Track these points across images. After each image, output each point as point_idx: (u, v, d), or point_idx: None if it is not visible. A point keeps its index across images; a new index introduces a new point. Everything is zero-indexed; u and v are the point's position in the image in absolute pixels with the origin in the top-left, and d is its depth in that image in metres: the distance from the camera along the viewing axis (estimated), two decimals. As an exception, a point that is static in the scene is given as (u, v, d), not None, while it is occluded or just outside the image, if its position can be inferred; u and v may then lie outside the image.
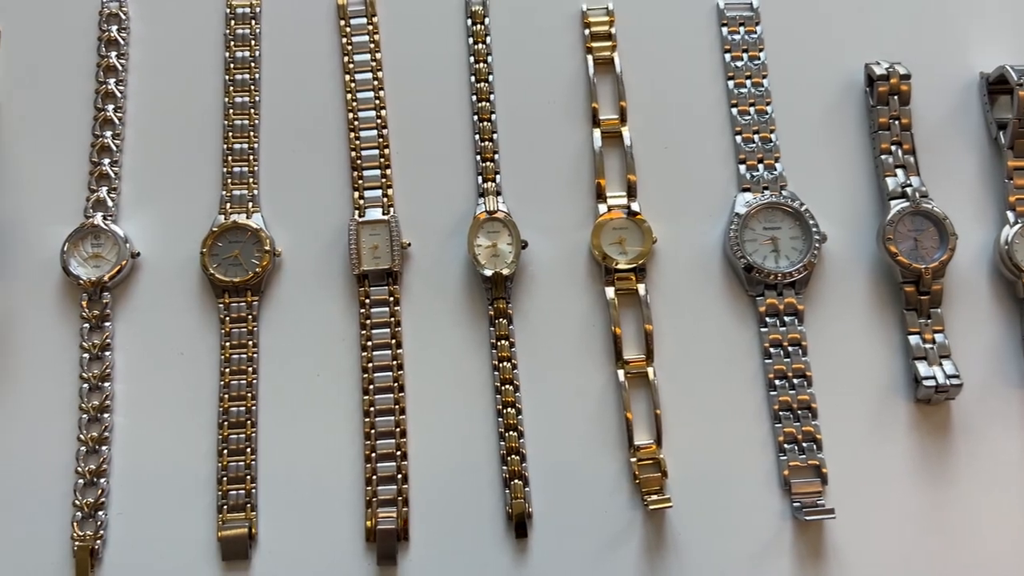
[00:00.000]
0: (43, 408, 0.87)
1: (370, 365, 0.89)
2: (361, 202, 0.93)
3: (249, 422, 0.87)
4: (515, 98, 0.97)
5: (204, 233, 0.91)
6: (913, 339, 0.88)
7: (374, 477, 0.86)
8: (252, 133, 0.95)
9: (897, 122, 0.93)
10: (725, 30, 0.99)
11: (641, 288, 0.91)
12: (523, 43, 0.99)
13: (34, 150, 0.94)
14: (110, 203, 0.92)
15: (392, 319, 0.90)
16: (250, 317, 0.89)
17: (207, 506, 0.85)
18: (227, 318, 0.89)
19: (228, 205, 0.92)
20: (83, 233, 0.90)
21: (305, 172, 0.95)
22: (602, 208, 0.93)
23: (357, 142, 0.95)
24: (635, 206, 0.93)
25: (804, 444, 0.87)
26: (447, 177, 0.95)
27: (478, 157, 0.95)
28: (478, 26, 0.98)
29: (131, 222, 0.92)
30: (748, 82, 0.97)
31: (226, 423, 0.87)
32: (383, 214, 0.92)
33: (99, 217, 0.91)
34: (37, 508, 0.85)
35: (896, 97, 0.93)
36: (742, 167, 0.94)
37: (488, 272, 0.89)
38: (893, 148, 0.93)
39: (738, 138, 0.96)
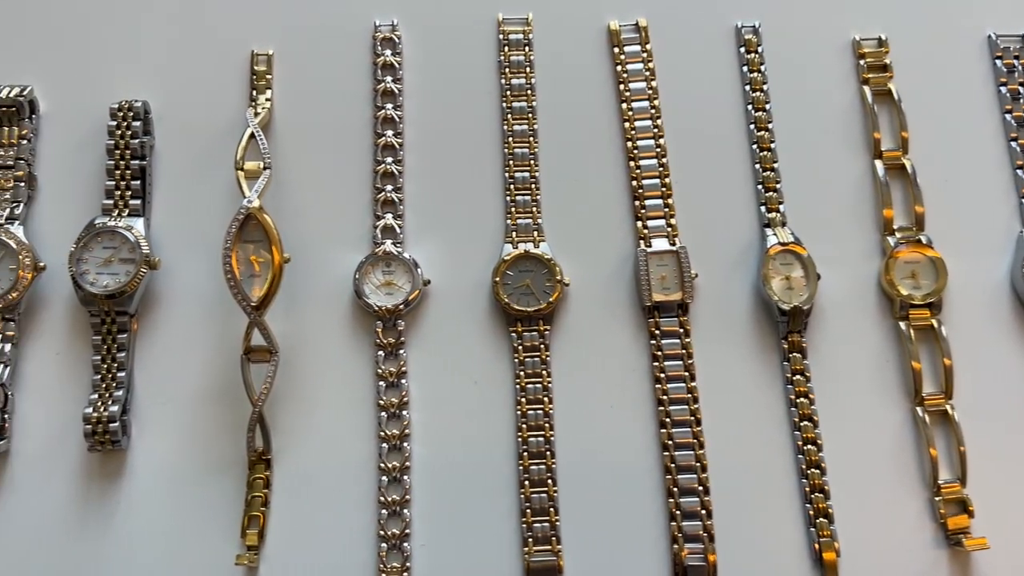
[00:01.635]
0: (340, 435, 0.87)
1: (665, 398, 0.88)
2: (645, 231, 0.92)
3: (549, 453, 0.86)
4: (790, 127, 0.96)
5: (489, 262, 0.91)
6: None
7: (678, 512, 0.85)
8: (533, 161, 0.94)
9: None
10: (999, 62, 0.98)
11: (935, 323, 0.89)
12: (796, 71, 0.98)
13: (316, 175, 0.94)
14: (397, 230, 0.91)
15: (684, 351, 0.89)
16: (543, 347, 0.89)
17: (510, 537, 0.85)
18: (520, 347, 0.89)
19: (514, 234, 0.92)
20: (375, 260, 0.90)
21: (584, 200, 0.94)
22: (890, 241, 0.92)
23: (637, 171, 0.94)
24: (923, 238, 0.91)
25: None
26: (726, 206, 0.94)
27: (760, 187, 0.94)
28: (752, 55, 0.97)
29: (417, 249, 0.91)
30: (1027, 114, 0.96)
31: (526, 453, 0.86)
32: (669, 244, 0.91)
33: (389, 244, 0.90)
34: (341, 536, 0.84)
35: None
36: (1026, 201, 0.93)
37: (786, 306, 0.88)
38: None
39: (1020, 172, 0.95)
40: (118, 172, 0.90)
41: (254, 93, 0.95)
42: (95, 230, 0.87)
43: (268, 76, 0.96)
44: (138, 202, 0.90)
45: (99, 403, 0.84)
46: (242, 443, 0.86)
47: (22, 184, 0.90)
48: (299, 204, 0.93)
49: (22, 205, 0.90)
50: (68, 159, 0.93)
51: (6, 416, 0.84)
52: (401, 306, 0.88)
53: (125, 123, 0.91)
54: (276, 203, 0.91)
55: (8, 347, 0.86)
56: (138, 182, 0.90)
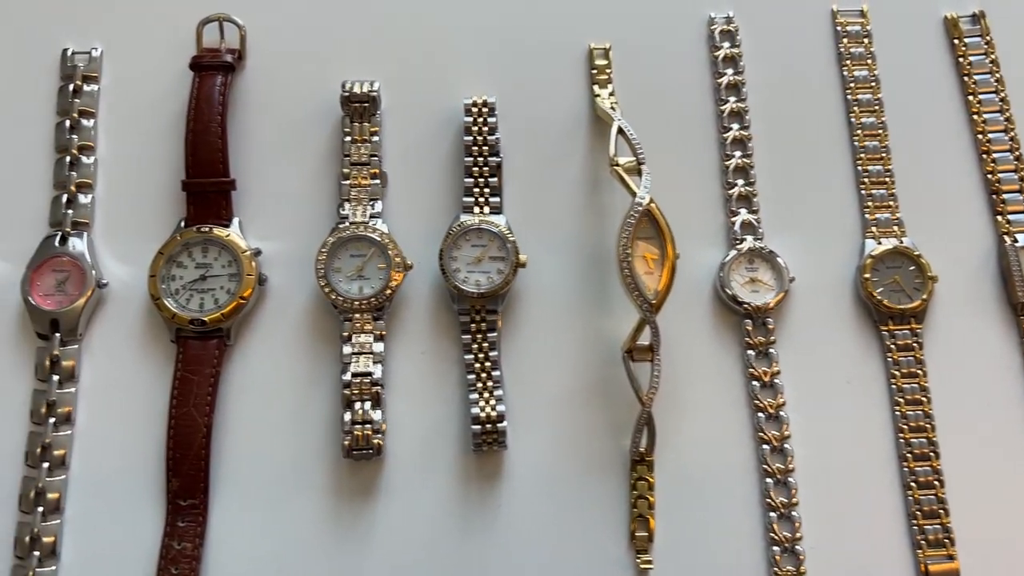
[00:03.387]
0: (717, 436, 0.85)
1: (1046, 398, 0.86)
2: (1007, 226, 0.90)
3: (933, 454, 0.84)
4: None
5: (847, 257, 0.89)
6: None
7: (1070, 514, 0.83)
8: (885, 154, 0.92)
9: None
10: None
11: None
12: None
13: (659, 169, 0.91)
14: (756, 225, 0.89)
15: (1058, 349, 0.87)
16: (916, 345, 0.87)
17: (899, 540, 0.83)
18: (893, 346, 0.87)
19: (874, 228, 0.90)
20: (739, 257, 0.88)
21: (937, 193, 0.92)
22: None
23: (992, 164, 0.92)
24: None
25: None
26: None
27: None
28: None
29: (773, 245, 0.89)
30: None
31: (909, 455, 0.84)
32: (1034, 239, 0.89)
33: (751, 240, 0.89)
34: (729, 538, 0.83)
35: None
36: None
37: None
38: None
39: None
40: (476, 169, 0.89)
41: (595, 88, 0.93)
42: (464, 228, 0.86)
43: (608, 71, 0.94)
44: (497, 199, 0.88)
45: (482, 403, 0.83)
46: (616, 443, 0.84)
47: (377, 181, 0.89)
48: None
49: (379, 202, 0.88)
50: (411, 155, 0.92)
51: (383, 416, 0.83)
52: (771, 304, 0.87)
53: (481, 119, 0.89)
54: (620, 197, 0.90)
55: (380, 346, 0.85)
56: (495, 179, 0.89)
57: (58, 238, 0.87)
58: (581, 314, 0.88)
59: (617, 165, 0.84)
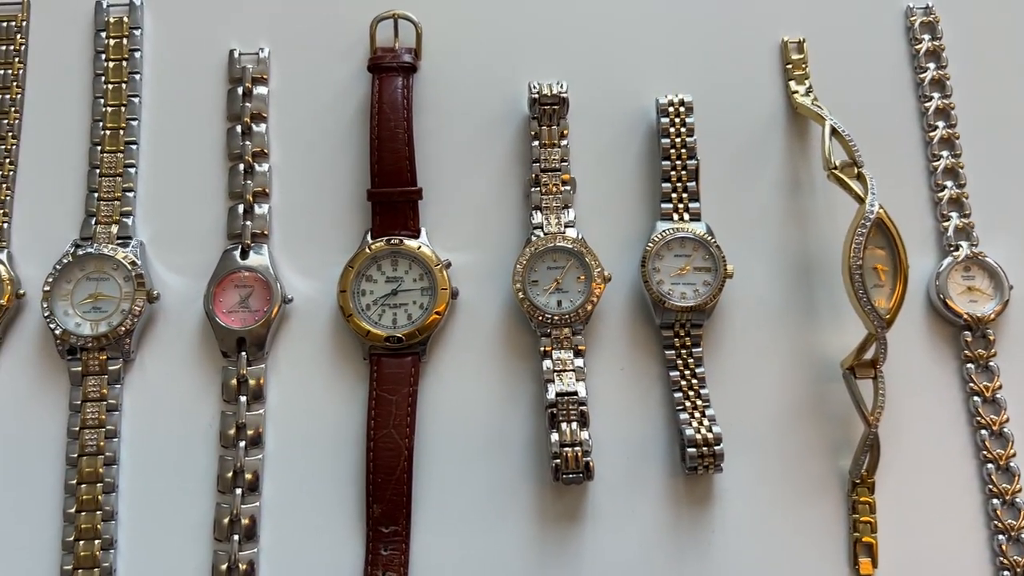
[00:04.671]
0: (936, 453, 0.81)
1: None
2: None
3: None
4: None
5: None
6: None
7: None
8: (1103, 152, 0.87)
9: None
10: None
11: None
12: None
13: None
14: (971, 231, 0.84)
15: None
16: None
17: None
18: (1122, 358, 0.82)
19: (1098, 232, 0.84)
20: (955, 264, 0.83)
21: None
22: None
23: None
24: None
25: None
26: None
27: None
28: None
29: (988, 251, 0.84)
30: None
31: None
32: None
33: (967, 247, 0.84)
34: (955, 563, 0.78)
35: None
36: None
37: None
38: None
39: None
40: (673, 173, 0.84)
41: (792, 84, 0.88)
42: (667, 236, 0.81)
43: (804, 66, 0.88)
44: (697, 205, 0.84)
45: (695, 423, 0.78)
46: (832, 463, 0.80)
47: (568, 187, 0.84)
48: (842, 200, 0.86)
49: (571, 210, 0.84)
50: (597, 159, 0.87)
51: (588, 437, 0.79)
52: (990, 315, 0.82)
53: (678, 119, 0.84)
54: (823, 201, 0.86)
55: (580, 362, 0.80)
56: (694, 183, 0.84)
57: (238, 251, 0.83)
58: (787, 327, 0.84)
59: (835, 168, 0.79)
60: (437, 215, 0.85)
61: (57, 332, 0.80)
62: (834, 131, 0.81)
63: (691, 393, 0.80)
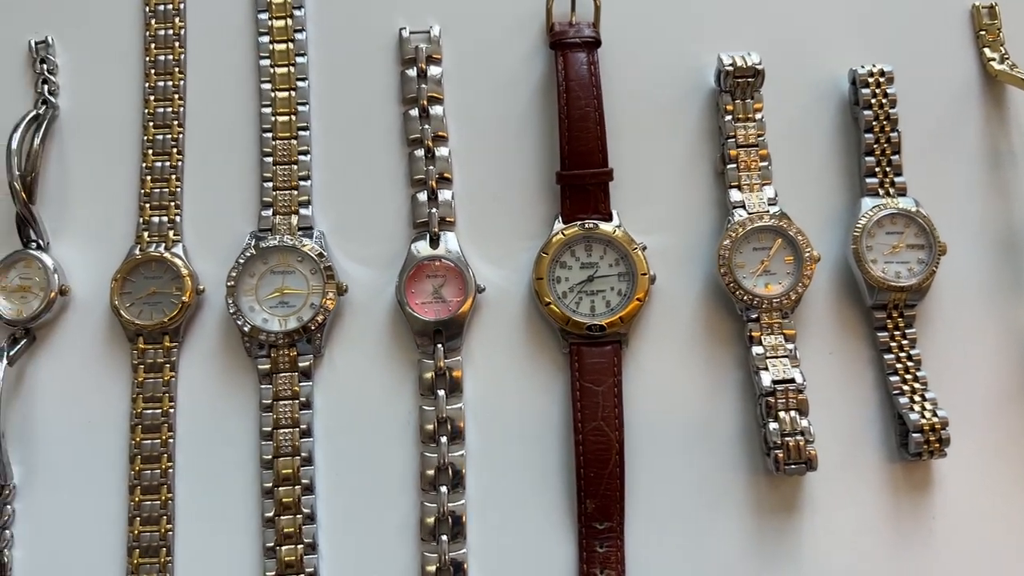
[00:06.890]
0: None
1: None
2: None
3: None
4: None
5: None
6: None
7: None
8: None
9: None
10: None
11: None
12: None
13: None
14: None
15: None
16: None
17: None
18: None
19: None
20: None
21: None
22: None
23: None
24: None
25: None
26: None
27: None
28: None
29: None
30: None
31: None
32: None
33: None
34: None
35: None
36: None
37: None
38: None
39: None
40: (877, 147, 0.80)
41: (986, 51, 0.84)
42: (879, 212, 0.78)
43: (998, 31, 0.85)
44: (903, 179, 0.80)
45: (917, 408, 0.75)
46: (1053, 445, 0.77)
47: (766, 163, 0.80)
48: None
49: (770, 187, 0.80)
50: (789, 132, 0.83)
51: (808, 424, 0.76)
52: None
53: (880, 90, 0.81)
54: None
55: (791, 347, 0.77)
56: (897, 156, 0.80)
57: (427, 240, 0.80)
58: (997, 304, 0.80)
59: (1058, 139, 0.76)
60: (625, 196, 0.82)
61: (246, 329, 0.77)
62: (1051, 101, 0.77)
63: (908, 376, 0.77)
